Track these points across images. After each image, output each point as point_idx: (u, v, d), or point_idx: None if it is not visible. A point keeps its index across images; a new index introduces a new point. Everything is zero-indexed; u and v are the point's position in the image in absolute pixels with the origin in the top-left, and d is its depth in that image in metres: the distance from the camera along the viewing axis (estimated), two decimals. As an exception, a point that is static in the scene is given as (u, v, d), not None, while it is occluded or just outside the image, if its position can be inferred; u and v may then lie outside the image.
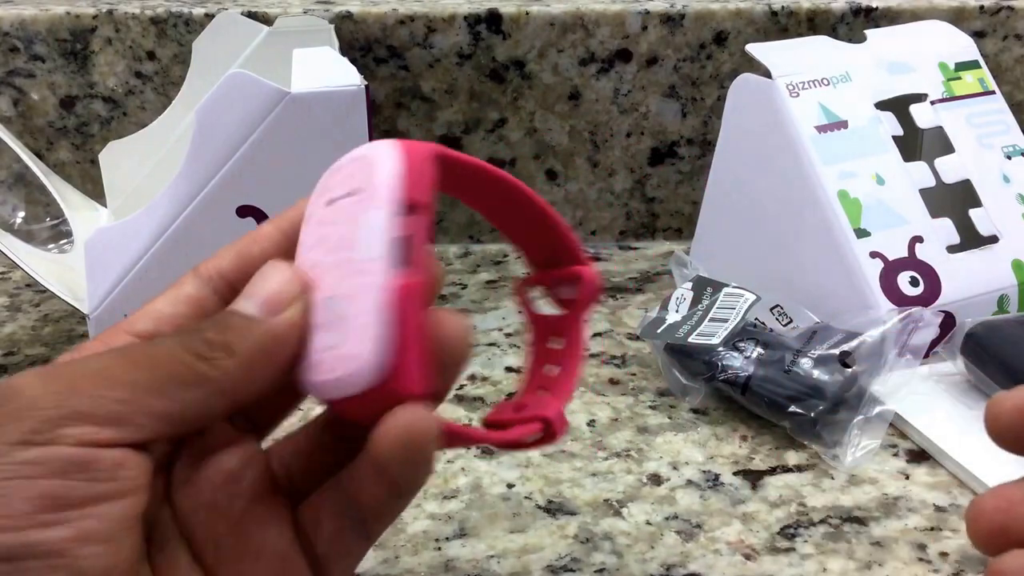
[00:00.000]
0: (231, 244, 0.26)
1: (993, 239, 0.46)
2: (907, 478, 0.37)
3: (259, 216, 0.40)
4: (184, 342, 0.22)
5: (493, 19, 0.55)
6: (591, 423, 0.41)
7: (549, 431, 0.26)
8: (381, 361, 0.21)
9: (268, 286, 0.23)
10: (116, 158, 0.51)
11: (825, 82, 0.46)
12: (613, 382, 0.44)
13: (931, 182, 0.46)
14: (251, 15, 0.53)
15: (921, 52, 0.49)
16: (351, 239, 0.22)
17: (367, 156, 0.23)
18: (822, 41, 0.49)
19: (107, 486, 0.21)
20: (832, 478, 0.37)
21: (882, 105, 0.47)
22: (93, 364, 0.22)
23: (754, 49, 0.47)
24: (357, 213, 0.22)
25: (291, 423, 0.27)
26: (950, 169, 0.47)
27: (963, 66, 0.50)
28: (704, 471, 0.38)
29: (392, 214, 0.22)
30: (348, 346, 0.21)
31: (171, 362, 0.22)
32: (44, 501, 0.20)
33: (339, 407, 0.23)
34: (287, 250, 0.25)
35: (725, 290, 0.44)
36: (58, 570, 0.20)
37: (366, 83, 0.40)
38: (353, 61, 0.42)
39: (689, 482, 0.37)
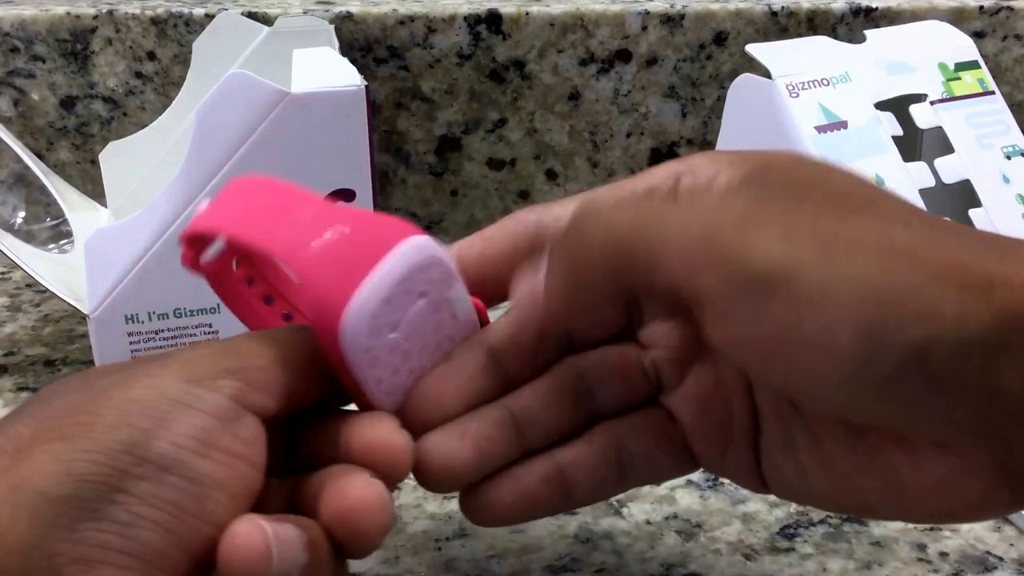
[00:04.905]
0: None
1: (993, 239, 0.46)
2: (907, 478, 0.37)
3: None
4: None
5: (493, 19, 0.55)
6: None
7: None
8: None
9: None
10: (116, 158, 0.51)
11: (825, 82, 0.46)
12: (613, 382, 0.44)
13: (931, 182, 0.46)
14: (251, 15, 0.53)
15: (921, 52, 0.49)
16: (441, 323, 0.26)
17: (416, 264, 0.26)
18: (822, 41, 0.49)
19: (248, 449, 0.22)
20: (832, 478, 0.37)
21: (882, 105, 0.47)
22: (236, 341, 0.24)
23: (754, 49, 0.47)
24: (439, 303, 0.26)
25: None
26: (950, 169, 0.47)
27: (963, 66, 0.50)
28: (704, 471, 0.38)
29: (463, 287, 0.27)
30: None
31: (300, 343, 0.25)
32: (201, 433, 0.21)
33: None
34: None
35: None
36: (189, 497, 0.21)
37: (366, 83, 0.40)
38: (353, 61, 0.42)
39: (689, 482, 0.37)
